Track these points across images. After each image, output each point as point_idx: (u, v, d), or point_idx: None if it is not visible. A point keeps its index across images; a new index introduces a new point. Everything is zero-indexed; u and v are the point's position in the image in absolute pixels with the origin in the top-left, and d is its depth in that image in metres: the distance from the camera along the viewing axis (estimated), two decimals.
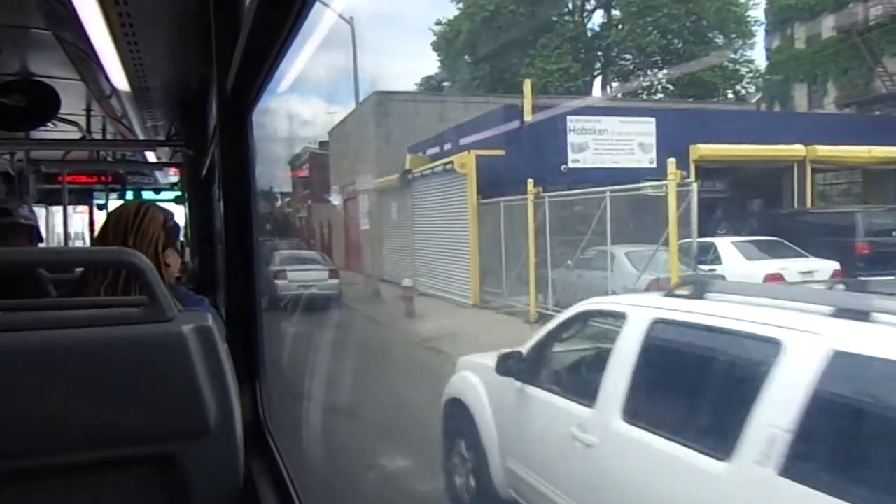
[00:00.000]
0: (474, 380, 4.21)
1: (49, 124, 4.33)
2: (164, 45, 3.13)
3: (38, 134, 4.89)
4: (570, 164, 15.05)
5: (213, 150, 3.29)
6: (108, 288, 1.86)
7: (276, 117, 22.03)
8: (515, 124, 14.65)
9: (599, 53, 37.65)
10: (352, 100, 25.90)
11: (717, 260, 11.77)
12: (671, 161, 10.26)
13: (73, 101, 4.37)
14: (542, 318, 12.23)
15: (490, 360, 4.06)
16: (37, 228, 3.35)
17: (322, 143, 33.97)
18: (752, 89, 36.28)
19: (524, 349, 3.89)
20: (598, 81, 37.01)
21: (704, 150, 15.65)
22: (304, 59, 2.83)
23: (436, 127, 21.92)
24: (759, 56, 35.38)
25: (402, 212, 19.43)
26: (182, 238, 3.32)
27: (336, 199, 28.37)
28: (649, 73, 37.35)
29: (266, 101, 2.33)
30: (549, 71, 35.16)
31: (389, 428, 6.95)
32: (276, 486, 1.80)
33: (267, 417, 2.12)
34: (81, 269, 1.98)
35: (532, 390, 3.71)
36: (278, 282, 15.50)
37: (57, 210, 8.57)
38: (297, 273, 15.67)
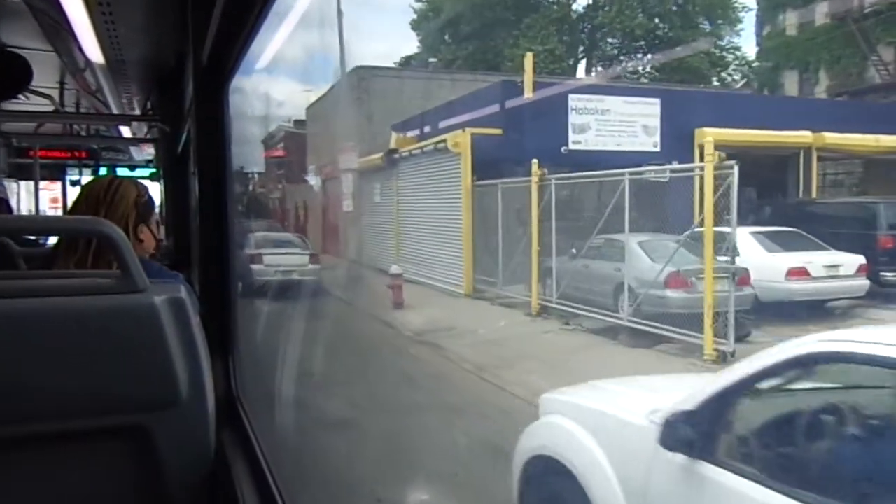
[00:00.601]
0: (583, 436, 2.81)
1: (21, 97, 4.17)
2: (139, 17, 3.01)
3: (9, 106, 4.74)
4: (571, 146, 14.07)
5: (188, 126, 3.19)
6: (77, 263, 1.85)
7: (251, 95, 20.77)
8: (514, 102, 13.59)
9: (584, 36, 37.12)
10: (331, 76, 24.65)
11: (732, 251, 10.88)
12: (708, 141, 9.35)
13: (45, 73, 4.23)
14: (545, 311, 11.29)
15: (602, 401, 2.78)
16: (6, 201, 3.41)
17: (297, 122, 32.97)
18: (737, 76, 36.05)
19: (693, 404, 2.44)
20: (582, 64, 36.43)
21: (711, 134, 14.77)
22: (283, 33, 2.69)
23: (421, 105, 20.87)
24: (746, 43, 35.16)
25: (386, 194, 18.30)
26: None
27: (313, 180, 27.23)
28: (634, 57, 36.91)
29: (242, 77, 2.28)
30: (534, 52, 34.56)
31: (390, 443, 5.93)
32: (247, 458, 1.73)
33: (240, 391, 2.06)
34: (52, 245, 1.98)
35: (719, 476, 2.28)
36: (254, 266, 14.33)
37: (20, 186, 8.52)
38: (274, 257, 14.51)
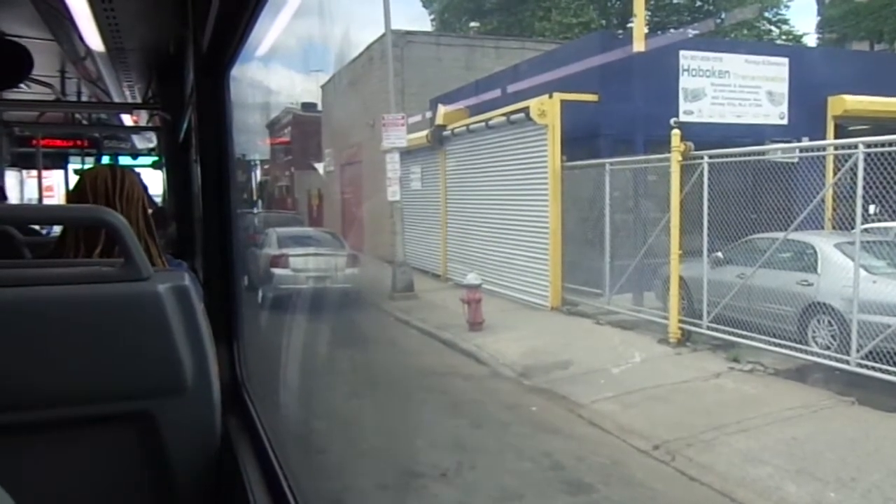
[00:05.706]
0: None
1: (22, 86, 4.10)
2: (138, 4, 2.97)
3: (10, 95, 4.72)
4: (682, 117, 10.99)
5: (189, 114, 3.17)
6: (83, 258, 1.82)
7: (253, 80, 17.76)
8: (613, 58, 10.49)
9: (613, 7, 34.58)
10: (344, 52, 21.48)
11: None
12: None
13: (46, 61, 4.17)
14: (688, 338, 8.26)
15: None
16: (1, 190, 3.81)
17: (306, 105, 30.18)
18: None
19: None
20: None
21: (851, 103, 11.72)
22: (287, 14, 2.50)
23: (463, 75, 17.83)
24: (794, 15, 32.53)
25: (430, 179, 15.22)
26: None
27: (330, 166, 24.20)
28: (673, 30, 34.09)
29: (244, 63, 2.25)
30: (567, 25, 31.96)
31: None
32: (253, 444, 1.66)
33: (245, 378, 2.01)
34: (57, 236, 1.94)
35: None
36: (277, 271, 11.27)
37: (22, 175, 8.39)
38: (303, 259, 11.43)
